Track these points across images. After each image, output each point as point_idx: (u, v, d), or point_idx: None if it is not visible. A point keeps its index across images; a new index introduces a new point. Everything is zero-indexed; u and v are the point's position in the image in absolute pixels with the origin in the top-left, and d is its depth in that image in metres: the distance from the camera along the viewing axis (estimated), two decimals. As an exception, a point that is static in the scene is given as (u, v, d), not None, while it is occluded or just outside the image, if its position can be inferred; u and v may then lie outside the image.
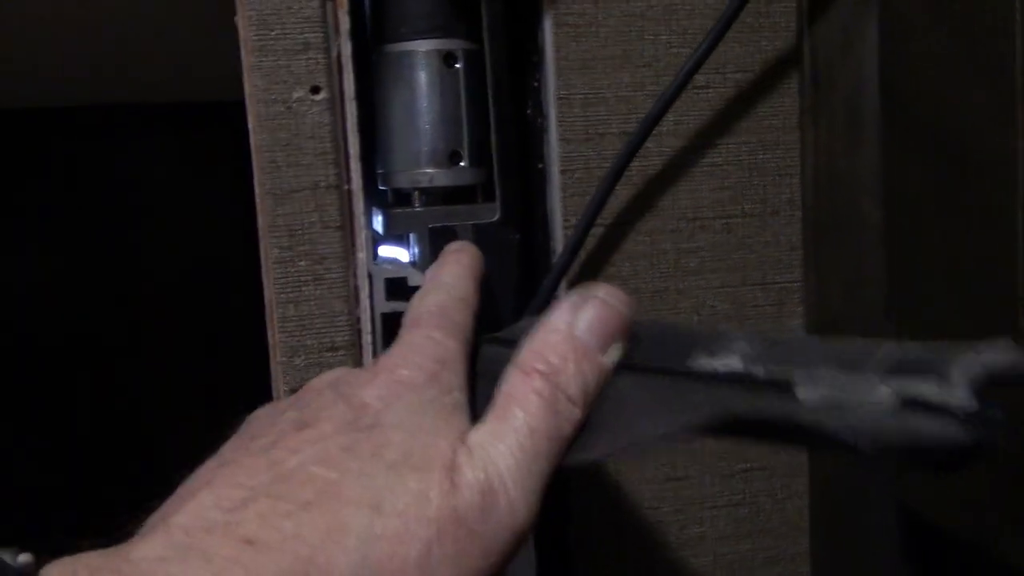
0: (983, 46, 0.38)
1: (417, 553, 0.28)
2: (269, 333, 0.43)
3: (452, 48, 0.45)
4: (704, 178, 0.48)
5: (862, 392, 0.27)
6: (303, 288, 0.42)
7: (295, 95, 0.41)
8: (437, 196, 0.46)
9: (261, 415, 0.35)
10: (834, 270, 0.48)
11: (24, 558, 0.28)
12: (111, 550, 0.28)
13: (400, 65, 0.45)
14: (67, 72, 0.70)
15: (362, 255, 0.44)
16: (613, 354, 0.34)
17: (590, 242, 0.47)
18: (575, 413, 0.32)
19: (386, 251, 0.47)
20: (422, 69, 0.45)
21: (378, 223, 0.46)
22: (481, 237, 0.45)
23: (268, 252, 0.42)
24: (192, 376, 0.94)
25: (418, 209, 0.46)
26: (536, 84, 0.48)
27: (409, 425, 0.31)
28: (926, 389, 0.26)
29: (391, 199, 0.47)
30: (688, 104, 0.47)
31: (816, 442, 0.28)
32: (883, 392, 0.26)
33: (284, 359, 0.43)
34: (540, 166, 0.48)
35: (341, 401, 0.32)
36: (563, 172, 0.47)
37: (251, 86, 0.40)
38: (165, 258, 0.97)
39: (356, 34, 0.43)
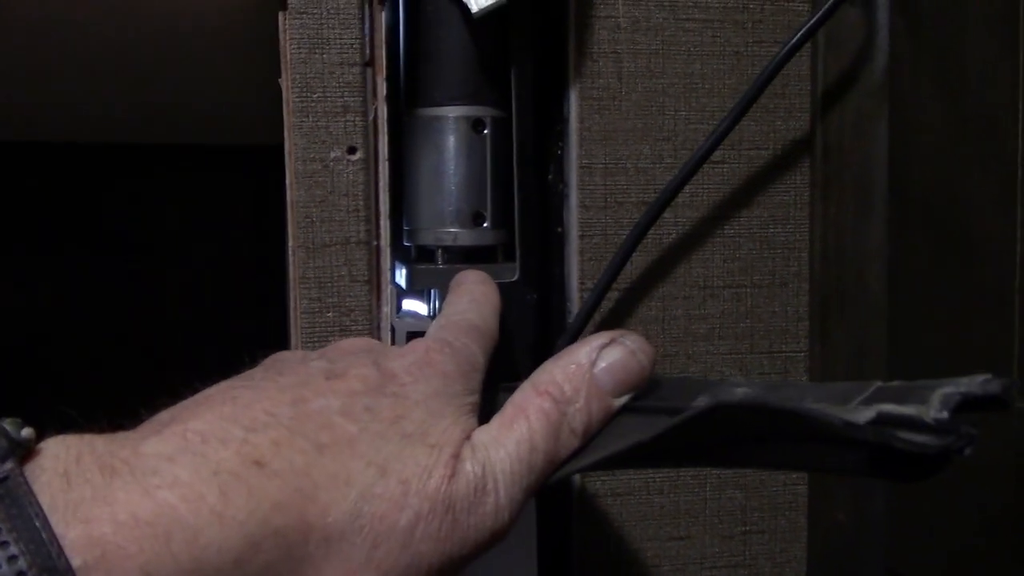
0: (988, 138, 0.40)
1: (406, 522, 0.30)
2: (294, 379, 0.45)
3: (481, 115, 0.47)
4: (717, 248, 0.50)
5: (846, 413, 0.29)
6: (329, 338, 0.44)
7: (332, 155, 0.43)
8: (459, 254, 0.48)
9: (288, 357, 0.36)
10: (838, 342, 0.50)
11: (27, 432, 0.27)
12: (119, 437, 0.29)
13: (431, 129, 0.47)
14: (97, 110, 0.73)
15: (387, 309, 0.46)
16: (623, 400, 0.35)
17: (605, 305, 0.49)
18: (573, 443, 0.34)
19: (406, 304, 0.49)
20: (452, 133, 0.47)
21: (400, 277, 0.48)
22: (500, 295, 0.47)
23: (298, 303, 0.44)
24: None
25: (441, 266, 0.47)
26: (559, 152, 0.50)
27: (431, 406, 0.33)
28: (904, 409, 0.28)
29: (414, 254, 0.48)
30: (704, 177, 0.49)
31: (801, 431, 0.30)
32: (865, 413, 0.28)
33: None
34: (559, 230, 0.50)
35: (373, 365, 0.33)
36: (581, 237, 0.49)
37: (291, 144, 0.43)
38: (185, 295, 0.99)
39: (392, 98, 0.45)
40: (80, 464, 0.27)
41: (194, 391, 0.32)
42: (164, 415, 0.31)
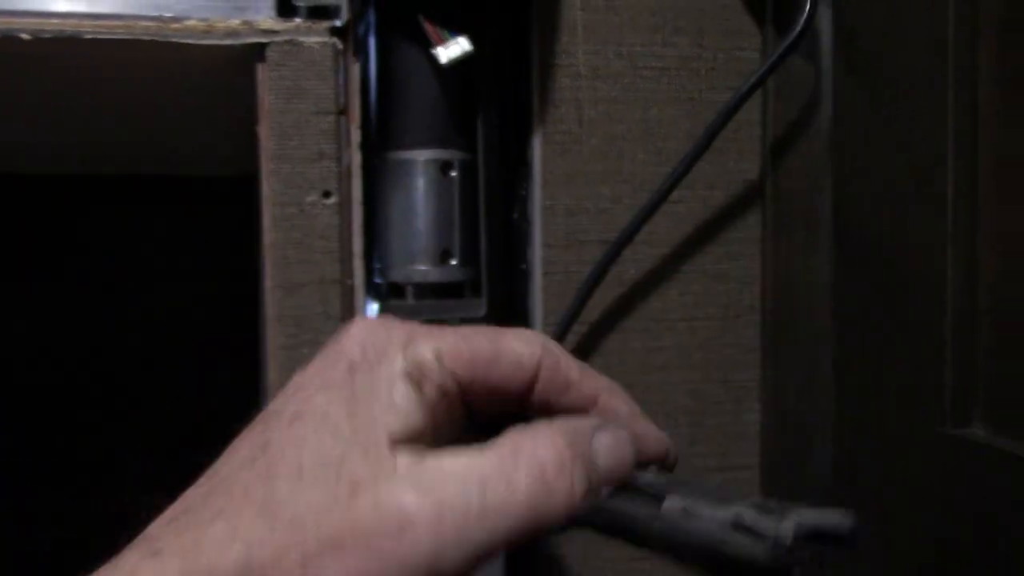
0: (922, 181, 0.42)
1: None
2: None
3: (449, 158, 0.49)
4: (673, 284, 0.53)
5: (710, 509, 0.32)
6: (305, 373, 0.46)
7: (308, 199, 0.45)
8: (428, 291, 0.50)
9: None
10: (788, 371, 0.53)
11: None
12: None
13: (401, 171, 0.49)
14: (77, 143, 0.74)
15: (360, 344, 0.48)
16: (608, 490, 0.32)
17: (569, 338, 0.51)
18: (558, 509, 0.30)
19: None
20: (421, 175, 0.49)
21: (372, 311, 0.51)
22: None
23: (275, 339, 0.46)
24: (180, 449, 0.97)
25: (411, 302, 0.50)
26: (524, 193, 0.52)
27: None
28: (761, 520, 0.31)
29: (386, 291, 0.51)
30: (661, 217, 0.52)
31: (655, 545, 0.33)
32: (726, 514, 0.31)
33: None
34: (524, 267, 0.52)
35: None
36: (545, 274, 0.51)
37: (269, 189, 0.45)
38: (155, 324, 1.00)
39: (364, 144, 0.48)
40: None
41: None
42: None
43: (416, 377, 0.31)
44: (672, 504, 0.32)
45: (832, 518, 0.31)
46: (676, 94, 0.52)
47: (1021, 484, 0.38)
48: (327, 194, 0.45)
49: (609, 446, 0.32)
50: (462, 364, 0.32)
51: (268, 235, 0.45)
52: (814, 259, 0.51)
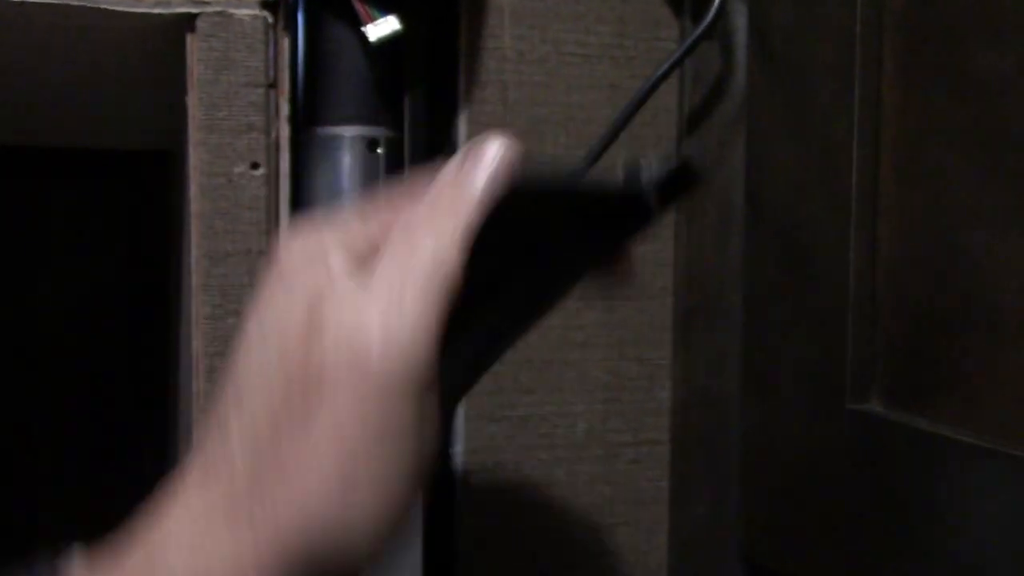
0: (827, 166, 0.45)
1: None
2: (194, 382, 0.47)
3: (376, 135, 0.50)
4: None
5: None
6: (231, 343, 0.47)
7: (236, 169, 0.46)
8: (353, 265, 0.51)
9: None
10: (699, 350, 0.55)
11: None
12: None
13: (328, 147, 0.50)
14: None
15: (285, 315, 0.48)
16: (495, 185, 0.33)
17: (489, 314, 0.52)
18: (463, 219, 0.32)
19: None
20: (347, 152, 0.50)
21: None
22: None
23: (200, 309, 0.46)
24: (88, 418, 0.96)
25: (336, 276, 0.50)
26: (449, 172, 0.53)
27: None
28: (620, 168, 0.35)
29: (310, 265, 0.51)
30: (580, 198, 0.53)
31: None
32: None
33: (209, 405, 0.47)
34: (448, 244, 0.53)
35: None
36: (468, 251, 0.52)
37: (197, 158, 0.45)
38: (62, 298, 0.98)
39: (293, 118, 0.48)
40: None
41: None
42: None
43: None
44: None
45: (678, 158, 0.35)
46: (598, 80, 0.54)
47: (913, 454, 0.40)
48: (255, 165, 0.46)
49: (475, 155, 0.33)
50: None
51: (195, 204, 0.45)
52: (726, 242, 0.53)
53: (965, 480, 0.38)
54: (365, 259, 0.32)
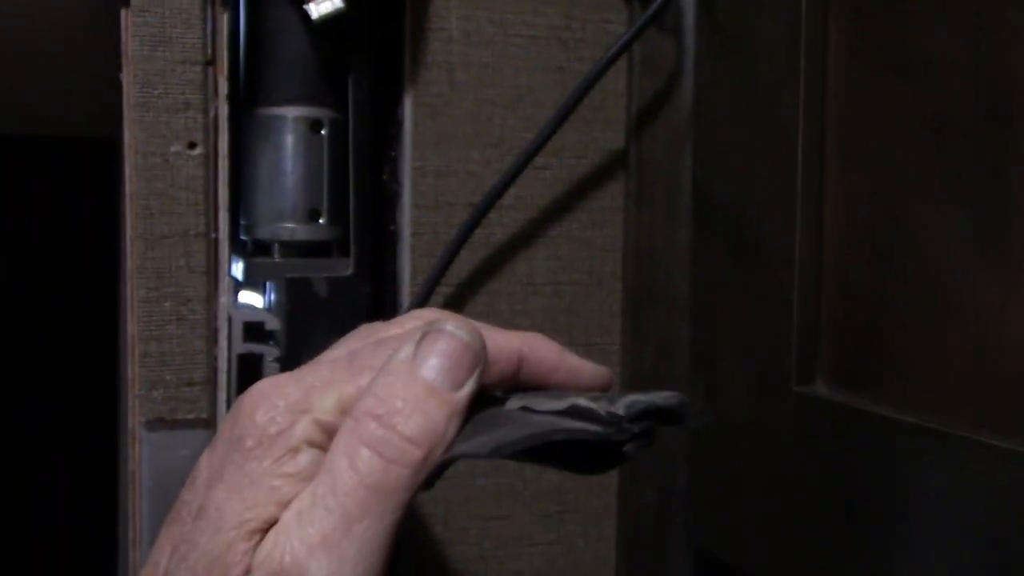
0: (773, 153, 0.45)
1: None
2: (128, 367, 0.46)
3: (319, 116, 0.49)
4: (539, 248, 0.54)
5: (547, 404, 0.33)
6: (166, 327, 0.45)
7: (173, 149, 0.44)
8: (295, 249, 0.50)
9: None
10: (648, 336, 0.55)
11: None
12: None
13: (270, 128, 0.49)
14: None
15: (224, 299, 0.47)
16: (468, 387, 0.33)
17: (435, 300, 0.52)
18: (415, 455, 0.31)
19: (243, 296, 0.51)
20: (290, 132, 0.49)
21: (237, 270, 0.50)
22: (334, 288, 0.49)
23: (135, 292, 0.45)
24: (31, 401, 0.93)
25: (277, 260, 0.49)
26: (394, 155, 0.52)
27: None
28: (595, 404, 0.32)
29: (251, 248, 0.50)
30: (528, 182, 0.53)
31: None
32: (562, 404, 0.33)
33: (143, 392, 0.45)
34: (393, 228, 0.53)
35: None
36: (413, 235, 0.52)
37: (132, 137, 0.44)
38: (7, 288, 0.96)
39: (232, 97, 0.47)
40: None
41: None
42: None
43: (319, 441, 0.32)
44: (512, 404, 0.34)
45: (662, 396, 0.32)
46: (546, 63, 0.53)
47: (858, 435, 0.40)
48: (192, 145, 0.45)
49: (439, 354, 0.33)
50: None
51: (130, 185, 0.44)
52: (674, 228, 0.52)
53: (910, 460, 0.38)
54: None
